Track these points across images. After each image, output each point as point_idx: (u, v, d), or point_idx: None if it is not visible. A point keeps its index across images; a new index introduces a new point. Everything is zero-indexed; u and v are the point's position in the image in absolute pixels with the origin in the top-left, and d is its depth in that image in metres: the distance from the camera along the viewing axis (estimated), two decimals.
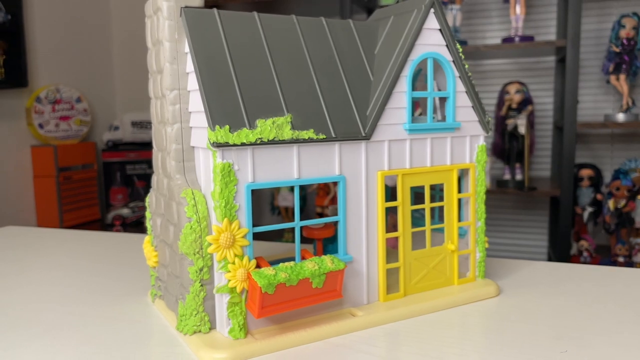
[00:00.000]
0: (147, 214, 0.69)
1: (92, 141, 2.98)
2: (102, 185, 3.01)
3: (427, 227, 0.68)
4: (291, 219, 2.52)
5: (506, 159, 2.22)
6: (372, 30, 0.69)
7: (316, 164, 0.59)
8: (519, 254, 2.51)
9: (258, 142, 0.55)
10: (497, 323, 0.62)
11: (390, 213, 0.68)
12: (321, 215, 2.29)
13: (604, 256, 2.16)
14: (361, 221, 0.63)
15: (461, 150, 0.70)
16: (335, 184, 0.62)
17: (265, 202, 2.80)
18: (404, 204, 0.66)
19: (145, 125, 2.93)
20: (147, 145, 2.87)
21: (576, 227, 2.20)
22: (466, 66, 0.69)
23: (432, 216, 0.76)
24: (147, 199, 0.69)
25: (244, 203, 0.55)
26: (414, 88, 0.73)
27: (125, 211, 2.85)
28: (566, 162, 1.97)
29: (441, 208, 0.72)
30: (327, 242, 0.70)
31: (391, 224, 0.68)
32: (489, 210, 2.55)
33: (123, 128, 2.97)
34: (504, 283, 0.75)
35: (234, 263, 0.55)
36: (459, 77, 0.68)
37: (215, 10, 0.59)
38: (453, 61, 0.68)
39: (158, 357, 0.54)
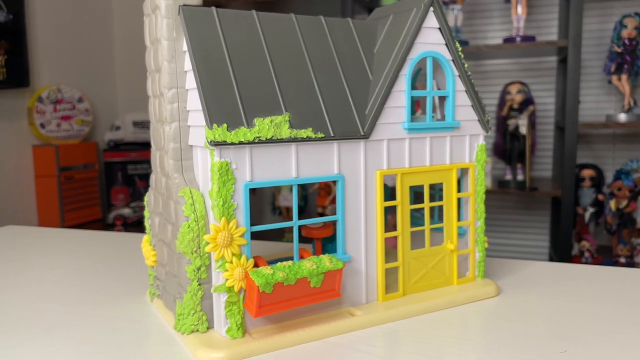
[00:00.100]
0: (146, 213, 0.69)
1: (94, 141, 2.98)
2: (103, 185, 3.02)
3: (427, 226, 0.68)
4: (292, 218, 2.52)
5: (507, 159, 2.22)
6: (371, 29, 0.69)
7: (315, 163, 0.59)
8: (520, 255, 2.51)
9: (256, 140, 0.54)
10: (496, 323, 0.62)
11: (392, 213, 0.68)
12: (322, 215, 2.29)
13: (605, 257, 2.16)
14: (360, 220, 0.63)
15: (461, 149, 0.70)
16: (335, 183, 0.61)
17: (267, 202, 2.80)
18: (403, 204, 0.66)
19: (147, 125, 2.93)
20: (149, 145, 2.85)
21: (577, 228, 2.19)
22: (465, 65, 0.68)
23: (432, 216, 0.76)
24: (146, 198, 0.69)
25: (241, 202, 0.55)
26: (414, 87, 0.73)
27: (126, 211, 2.85)
28: (568, 162, 1.97)
29: (441, 207, 0.71)
30: (327, 242, 0.70)
31: (392, 224, 0.68)
32: (490, 210, 2.55)
33: (124, 128, 2.97)
34: (504, 283, 0.75)
35: (231, 262, 0.54)
36: (459, 76, 0.68)
37: (213, 8, 0.59)
38: (452, 60, 0.68)
39: (156, 357, 0.54)
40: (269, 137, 0.55)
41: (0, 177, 2.55)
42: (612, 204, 2.09)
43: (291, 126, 0.57)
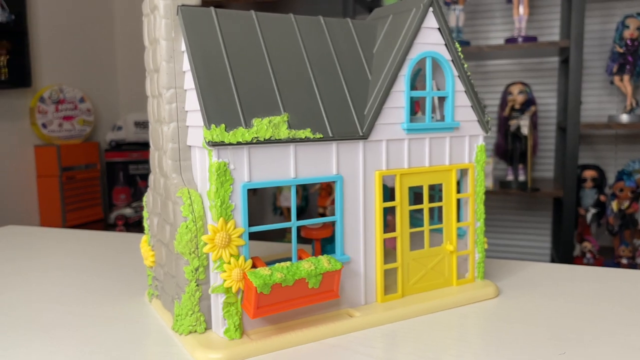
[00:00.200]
0: (145, 213, 0.69)
1: (95, 141, 2.99)
2: (105, 185, 3.02)
3: (426, 227, 0.68)
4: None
5: (509, 159, 2.21)
6: (370, 29, 0.69)
7: (313, 164, 0.59)
8: (521, 255, 2.50)
9: (254, 141, 0.54)
10: (495, 324, 0.61)
11: (392, 213, 0.67)
12: (323, 215, 2.29)
13: (607, 258, 2.15)
14: (359, 221, 0.63)
15: (460, 150, 0.70)
16: (335, 184, 0.61)
17: (268, 203, 2.80)
18: (402, 204, 0.66)
19: (148, 125, 2.94)
20: None
21: (579, 229, 2.18)
22: (465, 65, 0.68)
23: (432, 216, 0.76)
24: (145, 199, 0.69)
25: (239, 202, 0.55)
26: (414, 88, 0.73)
27: (127, 211, 2.86)
28: (569, 163, 1.96)
29: (440, 208, 0.71)
30: (326, 243, 0.70)
31: (393, 225, 0.68)
32: (491, 211, 2.54)
33: (126, 128, 2.98)
34: (504, 284, 0.75)
35: (229, 263, 0.54)
36: (458, 76, 0.68)
37: (212, 8, 0.59)
38: (452, 60, 0.67)
39: (154, 358, 0.54)
40: (267, 137, 0.55)
41: (2, 177, 2.55)
42: (614, 205, 2.08)
43: (289, 126, 0.57)
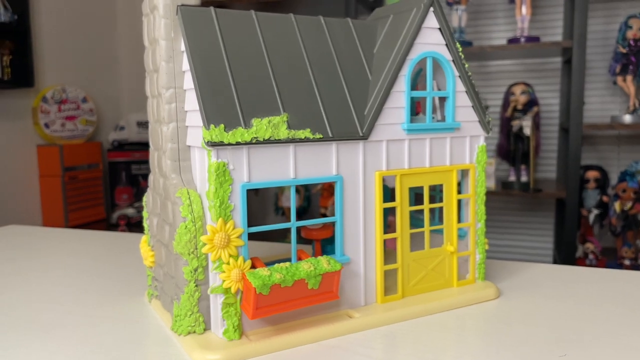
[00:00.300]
0: (144, 213, 0.69)
1: (98, 141, 2.99)
2: (107, 185, 3.02)
3: (426, 228, 0.68)
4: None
5: (511, 160, 2.21)
6: (371, 29, 0.69)
7: (313, 164, 0.59)
8: (524, 256, 2.50)
9: (253, 141, 0.54)
10: (496, 326, 0.61)
11: (393, 214, 0.67)
12: (325, 216, 2.29)
13: (610, 259, 2.14)
14: (358, 222, 0.63)
15: (461, 150, 0.69)
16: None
17: (270, 203, 2.80)
18: (402, 205, 0.65)
19: None
20: None
21: (582, 230, 2.18)
22: (466, 65, 0.68)
23: (432, 217, 0.76)
24: (144, 199, 0.69)
25: (239, 203, 0.55)
26: (415, 88, 0.73)
27: (130, 211, 2.86)
28: (572, 163, 1.96)
29: (441, 209, 0.71)
30: (326, 243, 0.70)
31: (394, 226, 0.68)
32: (494, 211, 2.53)
33: (129, 128, 2.98)
34: (504, 285, 0.74)
35: (228, 263, 0.54)
36: (459, 76, 0.68)
37: (211, 8, 0.59)
38: (453, 60, 0.67)
39: (153, 358, 0.54)
40: (266, 137, 0.55)
41: (5, 177, 2.56)
42: (617, 206, 2.08)
43: (289, 127, 0.56)
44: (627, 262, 2.07)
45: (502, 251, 2.54)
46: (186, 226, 0.54)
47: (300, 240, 0.69)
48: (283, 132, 0.56)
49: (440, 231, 0.70)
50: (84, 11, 2.96)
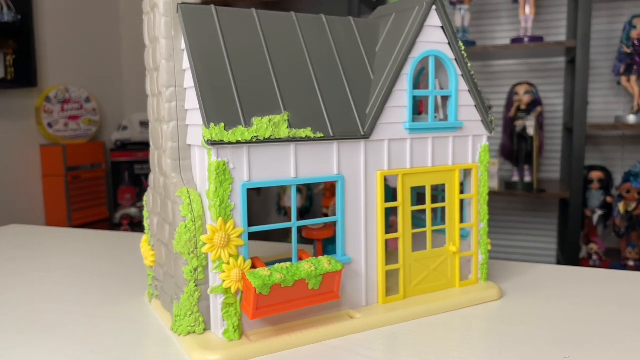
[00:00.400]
0: (145, 212, 0.68)
1: (101, 141, 3.00)
2: (110, 184, 3.03)
3: (428, 228, 0.67)
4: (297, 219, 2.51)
5: (515, 160, 2.20)
6: (373, 28, 0.68)
7: (314, 163, 0.58)
8: (527, 257, 2.49)
9: (254, 140, 0.54)
10: (498, 327, 0.61)
11: (395, 214, 0.67)
12: (327, 216, 2.28)
13: (614, 260, 2.13)
14: (360, 222, 0.62)
15: (463, 150, 0.69)
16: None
17: (272, 202, 2.80)
18: (404, 205, 0.65)
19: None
20: None
21: (586, 230, 2.17)
22: (469, 64, 0.67)
23: (435, 217, 0.75)
24: (145, 198, 0.68)
25: (239, 202, 0.54)
26: (418, 87, 0.72)
27: (133, 211, 2.86)
28: (576, 164, 1.95)
29: (443, 209, 0.70)
30: (328, 243, 0.69)
31: (397, 225, 0.67)
32: (497, 212, 2.53)
33: (131, 128, 2.98)
34: (507, 286, 0.74)
35: (228, 263, 0.54)
36: (462, 75, 0.67)
37: (212, 6, 0.58)
38: (455, 59, 0.66)
39: (152, 358, 0.54)
40: (267, 136, 0.54)
41: (8, 176, 2.56)
42: (621, 207, 2.06)
43: (290, 125, 0.56)
44: (631, 263, 2.06)
45: (505, 252, 2.53)
46: (186, 225, 0.54)
47: (302, 240, 0.69)
48: (284, 131, 0.55)
49: (443, 231, 0.69)
50: (87, 11, 2.97)
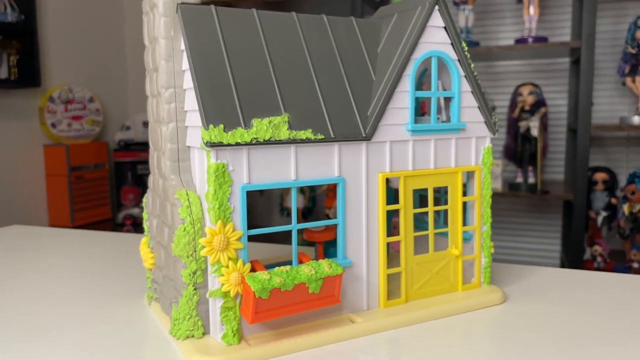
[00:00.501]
0: (144, 214, 0.68)
1: (104, 141, 3.00)
2: (113, 184, 3.03)
3: (431, 231, 0.66)
4: (300, 220, 2.51)
5: (518, 161, 2.19)
6: (375, 28, 0.67)
7: (314, 165, 0.58)
8: (531, 258, 2.47)
9: (254, 142, 0.53)
10: (501, 331, 0.60)
11: (398, 215, 0.66)
12: (329, 217, 2.27)
13: (618, 261, 2.12)
14: (361, 224, 0.61)
15: (466, 152, 0.68)
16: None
17: (275, 203, 2.79)
18: (406, 207, 0.64)
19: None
20: None
21: (590, 232, 2.15)
22: (472, 65, 0.66)
23: (437, 220, 0.74)
24: (144, 199, 0.68)
25: (238, 205, 0.54)
26: (421, 88, 0.71)
27: (136, 211, 2.86)
28: (580, 165, 1.93)
29: (446, 211, 0.69)
30: (329, 246, 0.68)
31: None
32: (500, 213, 2.51)
33: (135, 128, 2.98)
34: (511, 290, 0.73)
35: (227, 267, 0.53)
36: (465, 76, 0.66)
37: (212, 6, 0.58)
38: (458, 60, 0.66)
39: None
40: (266, 138, 0.54)
41: (12, 176, 2.56)
42: (626, 208, 2.05)
43: (290, 127, 0.55)
44: (635, 265, 2.04)
45: (509, 253, 2.52)
46: (185, 228, 0.53)
47: (305, 242, 0.68)
48: (284, 133, 0.55)
49: (445, 234, 0.68)
50: (91, 11, 2.97)
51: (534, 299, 0.70)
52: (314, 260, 0.57)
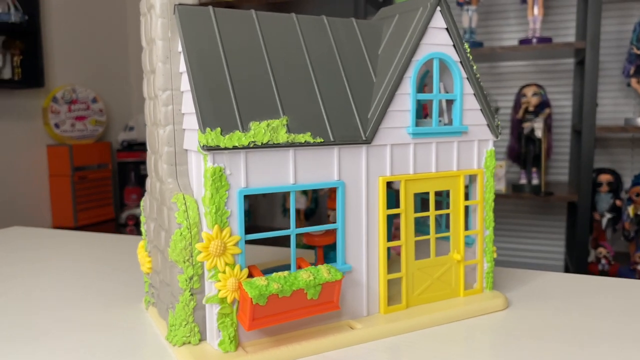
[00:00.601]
0: (142, 218, 0.67)
1: (107, 141, 3.00)
2: (116, 185, 3.03)
3: (432, 235, 0.65)
4: (303, 221, 2.50)
5: (522, 162, 2.17)
6: (376, 30, 0.66)
7: (313, 169, 0.57)
8: (535, 260, 2.46)
9: (251, 145, 0.52)
10: (504, 338, 0.59)
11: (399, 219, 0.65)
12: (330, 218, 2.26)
13: (622, 264, 2.10)
14: (361, 229, 0.60)
15: (469, 155, 0.67)
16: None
17: (277, 204, 2.78)
18: (407, 211, 0.63)
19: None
20: None
21: (594, 234, 2.14)
22: (474, 67, 0.65)
23: (439, 224, 0.73)
24: (142, 203, 0.67)
25: (236, 209, 0.53)
26: (423, 91, 0.70)
27: (138, 211, 2.86)
28: (584, 166, 1.92)
29: (448, 216, 0.68)
30: (329, 250, 0.67)
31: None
32: (504, 215, 2.50)
33: (138, 128, 2.98)
34: (513, 295, 0.72)
35: (224, 272, 0.52)
36: (467, 78, 0.65)
37: (210, 7, 0.57)
38: (460, 62, 0.65)
39: None
40: (264, 141, 0.53)
41: (15, 176, 2.56)
42: (630, 210, 2.03)
43: (289, 130, 0.54)
44: None
45: (513, 255, 2.50)
46: (181, 233, 0.52)
47: (305, 245, 0.67)
48: (282, 136, 0.54)
49: (447, 239, 0.67)
50: (94, 11, 2.97)
51: (537, 304, 0.69)
52: (313, 266, 0.56)
